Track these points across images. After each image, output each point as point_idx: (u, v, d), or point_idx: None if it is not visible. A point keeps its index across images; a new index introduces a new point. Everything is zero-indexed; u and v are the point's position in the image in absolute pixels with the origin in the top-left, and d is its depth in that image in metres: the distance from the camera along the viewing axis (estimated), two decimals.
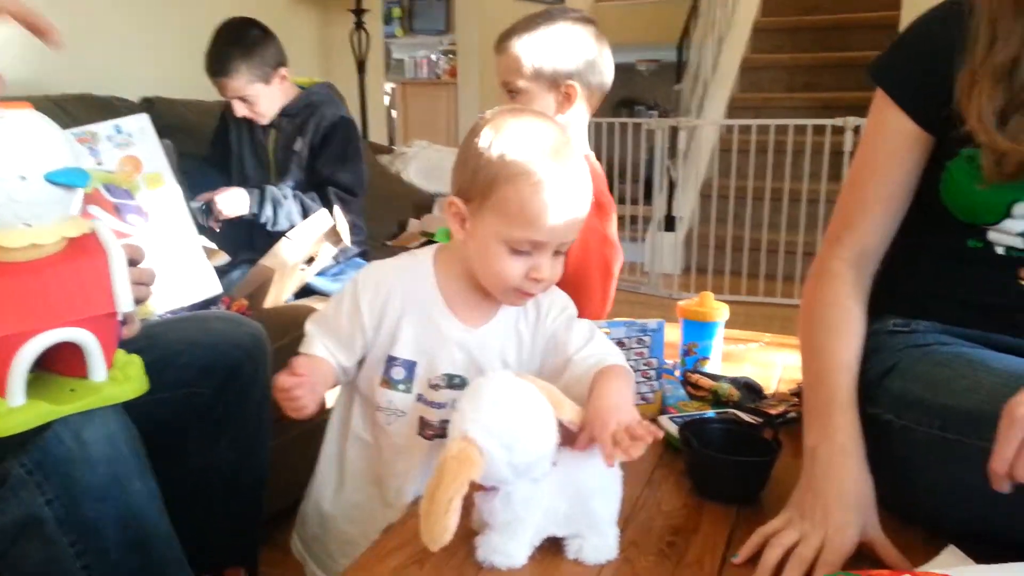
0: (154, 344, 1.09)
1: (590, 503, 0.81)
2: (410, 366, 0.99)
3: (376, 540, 0.87)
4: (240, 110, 1.96)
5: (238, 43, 1.89)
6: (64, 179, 0.80)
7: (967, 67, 0.86)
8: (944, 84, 0.88)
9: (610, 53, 1.32)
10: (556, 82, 1.27)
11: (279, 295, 1.81)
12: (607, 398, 0.85)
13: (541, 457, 0.78)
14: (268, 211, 1.88)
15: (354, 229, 2.01)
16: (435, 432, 1.00)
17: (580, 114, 1.31)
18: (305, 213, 1.90)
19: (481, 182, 0.91)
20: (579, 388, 0.91)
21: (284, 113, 2.01)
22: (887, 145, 0.95)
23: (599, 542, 0.82)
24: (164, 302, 1.37)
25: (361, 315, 0.99)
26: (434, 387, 0.99)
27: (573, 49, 1.28)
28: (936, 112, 0.89)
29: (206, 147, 2.14)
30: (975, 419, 0.78)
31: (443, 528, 0.72)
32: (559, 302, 1.02)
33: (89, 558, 0.90)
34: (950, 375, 0.84)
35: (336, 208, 1.93)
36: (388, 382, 1.00)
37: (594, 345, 0.97)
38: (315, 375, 0.92)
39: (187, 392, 1.18)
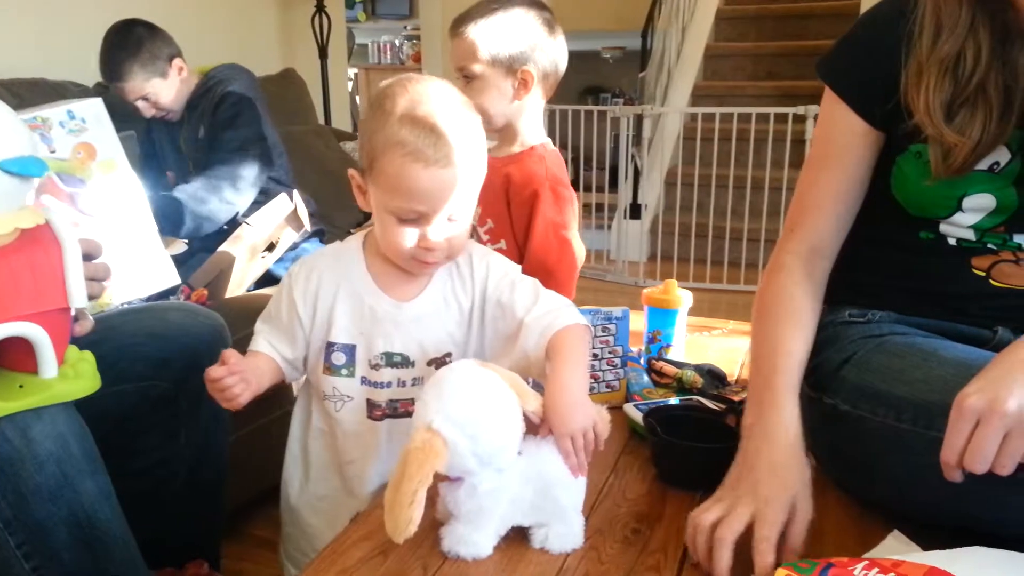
0: (110, 336, 1.07)
1: (555, 492, 0.81)
2: (349, 350, 0.99)
3: (341, 531, 0.86)
4: (147, 111, 1.92)
5: (124, 45, 1.85)
6: (20, 168, 0.78)
7: (913, 59, 0.86)
8: (891, 80, 0.88)
9: (564, 39, 1.32)
10: (512, 68, 1.26)
11: (240, 284, 1.78)
12: (564, 393, 0.84)
13: (505, 447, 0.78)
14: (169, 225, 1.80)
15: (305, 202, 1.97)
16: (384, 412, 1.00)
17: (536, 100, 1.31)
18: (219, 195, 1.84)
19: (367, 153, 0.92)
20: (537, 355, 0.91)
21: (188, 106, 1.97)
22: (837, 142, 0.95)
23: (564, 530, 0.82)
24: (120, 293, 1.34)
25: (295, 306, 0.99)
26: (375, 367, 0.99)
27: (529, 35, 1.27)
28: (884, 108, 0.89)
29: None
30: (927, 410, 0.79)
31: (407, 519, 0.71)
32: (498, 267, 1.01)
33: (39, 560, 0.88)
34: (903, 366, 0.85)
35: (295, 194, 1.89)
36: (330, 368, 1.00)
37: (543, 303, 0.96)
38: (248, 367, 0.92)
39: (144, 385, 1.15)
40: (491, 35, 1.26)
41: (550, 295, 0.98)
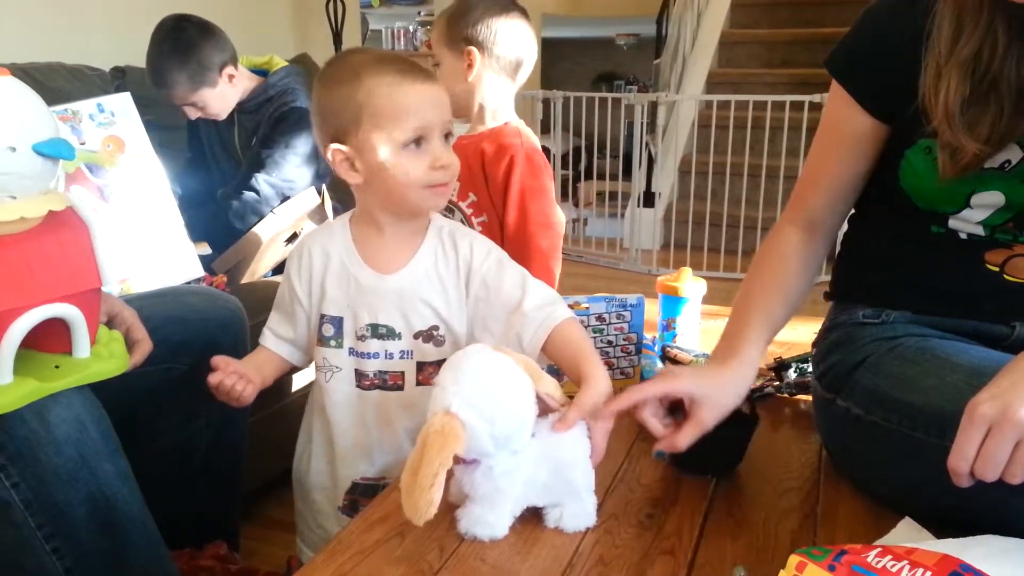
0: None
1: (569, 473, 0.82)
2: (337, 322, 1.03)
3: (360, 513, 0.87)
4: (192, 114, 1.86)
5: (174, 50, 1.74)
6: (52, 150, 0.79)
7: (931, 60, 0.84)
8: (905, 79, 0.86)
9: (523, 23, 1.37)
10: (458, 47, 1.33)
11: (257, 270, 1.79)
12: (605, 392, 0.86)
13: (521, 428, 0.79)
14: (250, 220, 1.79)
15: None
16: (372, 382, 1.03)
17: (493, 81, 1.35)
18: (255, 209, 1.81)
19: (350, 114, 0.95)
20: (532, 346, 0.94)
21: (243, 110, 1.89)
22: (840, 132, 0.95)
23: (578, 509, 0.83)
24: (145, 282, 1.35)
25: (294, 287, 1.05)
26: (361, 338, 1.02)
27: (476, 15, 1.32)
28: (892, 103, 0.88)
29: (178, 119, 2.10)
30: (940, 418, 0.78)
31: (428, 502, 0.72)
32: (481, 244, 1.03)
33: (58, 541, 0.89)
34: (917, 372, 0.84)
35: (324, 188, 1.89)
36: (321, 340, 1.04)
37: (535, 294, 0.98)
38: (242, 366, 1.04)
39: (164, 368, 1.17)
40: (444, 18, 1.33)
41: (538, 284, 1.00)
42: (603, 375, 0.88)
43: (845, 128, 0.95)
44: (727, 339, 0.93)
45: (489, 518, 0.80)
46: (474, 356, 0.80)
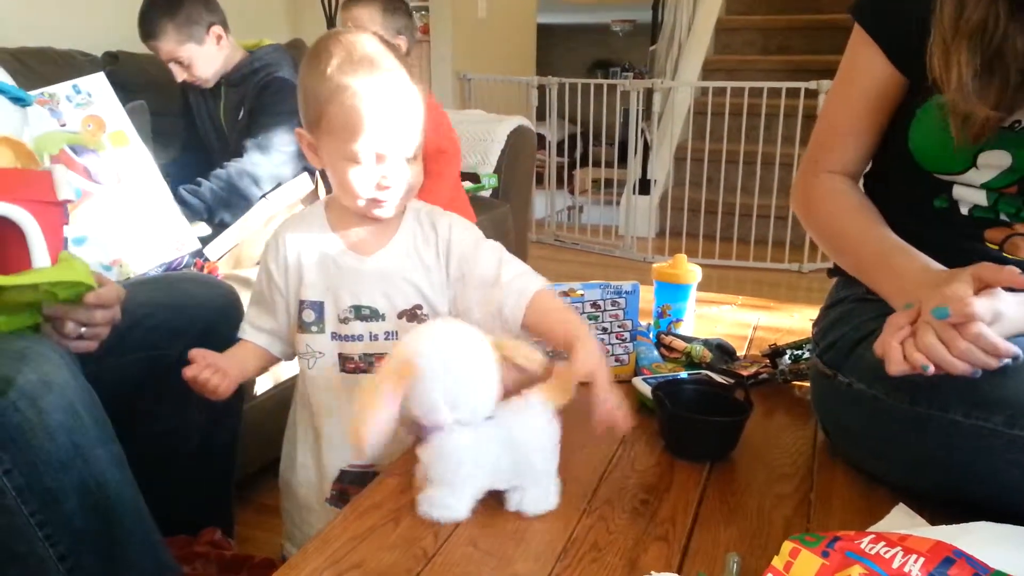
0: (122, 305, 1.07)
1: (531, 457, 0.82)
2: (318, 307, 1.02)
3: (352, 501, 0.87)
4: (179, 74, 1.88)
5: (163, 3, 1.82)
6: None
7: (938, 37, 0.85)
8: (923, 26, 0.87)
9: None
10: None
11: (252, 257, 1.78)
12: (598, 350, 0.86)
13: (476, 393, 0.79)
14: (221, 214, 1.81)
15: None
16: (357, 365, 1.02)
17: None
18: (256, 185, 1.83)
19: (312, 108, 0.94)
20: (514, 315, 0.94)
21: (228, 83, 1.92)
22: (862, 82, 0.96)
23: (539, 494, 0.83)
24: (140, 261, 1.35)
25: (272, 275, 1.03)
26: (344, 321, 1.01)
27: None
28: (913, 54, 0.89)
29: (171, 104, 2.09)
30: (941, 392, 0.79)
31: (373, 422, 0.73)
32: (459, 224, 1.03)
33: (51, 528, 0.89)
34: None
35: (318, 175, 1.89)
36: (302, 326, 1.03)
37: (511, 267, 0.98)
38: (220, 359, 0.99)
39: (157, 354, 1.16)
40: None
41: (512, 259, 1.00)
42: (589, 335, 0.88)
43: (866, 78, 0.95)
44: (905, 260, 0.88)
45: (448, 500, 0.81)
46: (438, 321, 0.84)
